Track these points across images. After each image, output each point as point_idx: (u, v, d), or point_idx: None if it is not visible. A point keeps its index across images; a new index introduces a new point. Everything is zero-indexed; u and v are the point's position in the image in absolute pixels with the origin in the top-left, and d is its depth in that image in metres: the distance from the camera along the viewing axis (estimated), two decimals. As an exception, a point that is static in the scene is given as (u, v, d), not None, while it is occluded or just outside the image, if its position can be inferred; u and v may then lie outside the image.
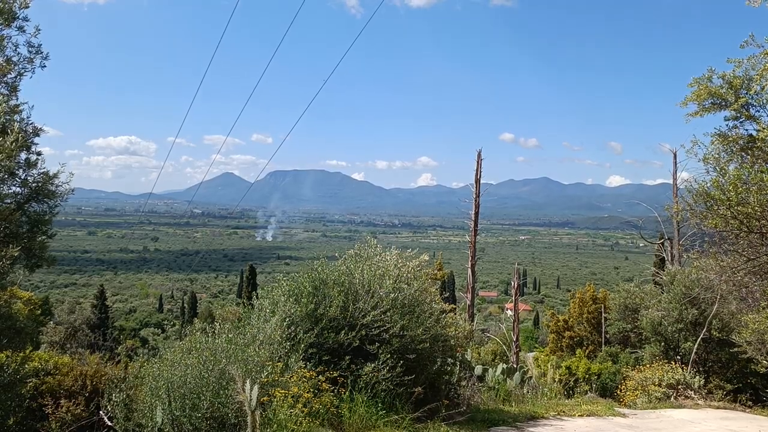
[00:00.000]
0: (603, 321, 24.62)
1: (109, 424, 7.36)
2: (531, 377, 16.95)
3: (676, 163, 27.45)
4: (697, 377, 16.93)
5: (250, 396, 6.63)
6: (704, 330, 17.59)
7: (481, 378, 14.04)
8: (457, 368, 11.97)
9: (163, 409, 7.00)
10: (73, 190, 7.55)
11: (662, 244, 28.80)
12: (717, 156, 7.39)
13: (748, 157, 7.34)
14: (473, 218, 24.14)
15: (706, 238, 8.55)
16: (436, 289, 12.03)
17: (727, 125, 7.57)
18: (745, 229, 6.30)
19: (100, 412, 7.51)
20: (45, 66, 7.77)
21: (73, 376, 7.72)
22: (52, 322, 33.78)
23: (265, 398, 7.30)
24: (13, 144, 5.75)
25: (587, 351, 23.66)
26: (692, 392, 16.58)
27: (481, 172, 24.17)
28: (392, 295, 9.83)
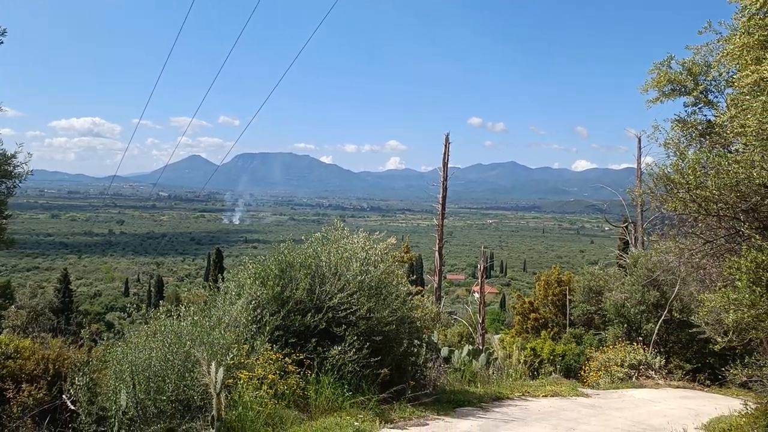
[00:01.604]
0: (567, 303, 24.99)
1: (72, 407, 7.30)
2: (497, 359, 17.17)
3: (640, 148, 27.85)
4: (658, 358, 17.34)
5: (216, 378, 6.63)
6: (665, 312, 18.00)
7: (447, 359, 14.18)
8: (424, 350, 12.07)
9: (127, 393, 6.96)
10: (31, 171, 7.43)
11: (626, 227, 29.25)
12: (677, 141, 7.54)
13: (707, 142, 7.51)
14: (441, 202, 24.25)
15: (666, 222, 8.74)
16: (404, 272, 12.10)
17: (686, 111, 7.74)
18: (703, 212, 6.45)
19: (63, 396, 7.43)
20: (2, 42, 7.58)
21: (35, 360, 7.63)
22: (13, 306, 33.26)
23: (230, 381, 7.30)
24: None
25: (552, 333, 24.00)
26: (653, 372, 16.98)
27: (448, 155, 24.25)
28: (359, 278, 9.87)
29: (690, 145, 7.63)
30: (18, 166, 7.02)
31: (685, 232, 7.36)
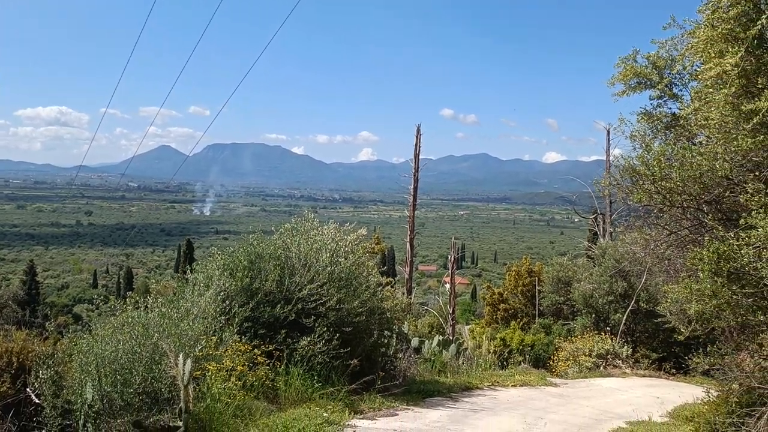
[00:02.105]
0: (537, 294, 25.24)
1: (37, 401, 7.20)
2: (466, 349, 17.30)
3: (609, 140, 28.18)
4: (625, 347, 17.62)
5: (183, 370, 6.58)
6: (632, 302, 18.27)
7: (417, 350, 14.25)
8: (394, 341, 12.13)
9: (93, 385, 6.87)
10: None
11: (595, 219, 29.60)
12: (643, 133, 7.64)
13: (672, 134, 7.63)
14: (412, 193, 24.31)
15: (633, 213, 8.86)
16: (374, 263, 12.13)
17: (652, 104, 7.85)
18: (668, 204, 6.54)
19: (27, 389, 7.32)
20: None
21: (-2, 352, 7.51)
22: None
23: (198, 372, 7.26)
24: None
25: (521, 323, 24.22)
26: (620, 361, 17.25)
27: (420, 147, 24.31)
28: (329, 269, 9.87)
29: (655, 137, 7.75)
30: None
31: (651, 223, 7.47)
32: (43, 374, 7.17)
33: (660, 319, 13.13)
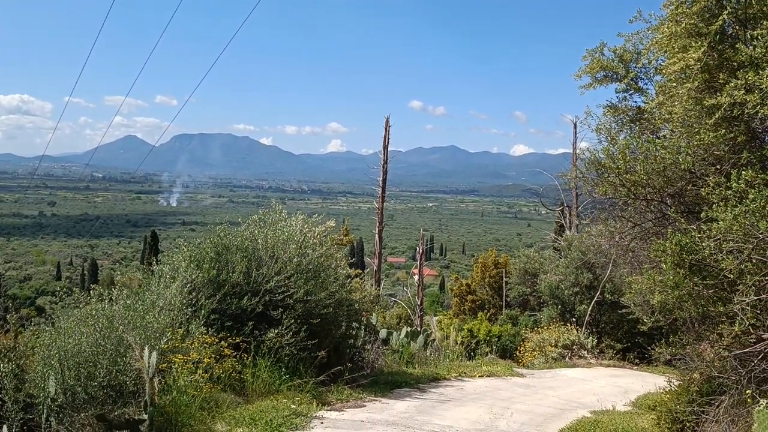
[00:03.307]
0: (504, 285, 25.46)
1: (-2, 395, 7.07)
2: (434, 340, 17.41)
3: (576, 133, 28.47)
4: (591, 338, 17.87)
5: (148, 363, 6.51)
6: (598, 293, 18.52)
7: (385, 341, 14.30)
8: (362, 332, 12.15)
9: (56, 379, 6.77)
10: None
11: (561, 211, 29.92)
12: (608, 127, 7.74)
13: (637, 127, 7.74)
14: (381, 185, 24.33)
15: (598, 206, 8.97)
16: (343, 255, 12.12)
17: (617, 97, 7.95)
18: (632, 196, 6.63)
19: (-12, 383, 7.19)
20: None
21: (-44, 346, 7.35)
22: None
23: (164, 365, 7.19)
24: None
25: (489, 314, 24.43)
26: (586, 352, 17.50)
27: (389, 138, 24.31)
28: (296, 261, 9.83)
29: (621, 130, 7.85)
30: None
31: (615, 215, 7.57)
32: (4, 368, 7.04)
33: (624, 310, 13.34)
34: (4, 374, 7.01)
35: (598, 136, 7.73)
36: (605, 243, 8.29)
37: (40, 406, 6.82)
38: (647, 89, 7.76)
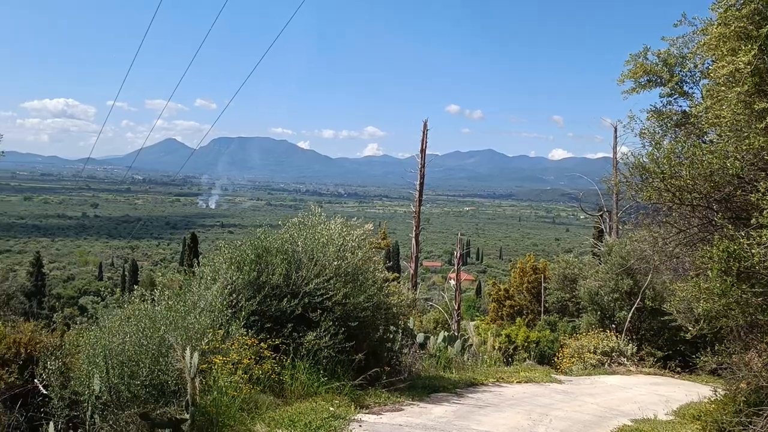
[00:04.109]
0: (543, 290, 25.21)
1: (45, 392, 7.23)
2: (471, 345, 17.31)
3: (616, 138, 28.07)
4: (630, 345, 17.57)
5: (190, 363, 6.59)
6: (638, 300, 18.22)
7: (422, 346, 14.26)
8: (399, 336, 12.14)
9: (100, 377, 6.90)
10: (3, 153, 7.29)
11: (601, 216, 29.53)
12: (652, 131, 7.61)
13: (682, 132, 7.59)
14: (418, 188, 24.29)
15: (641, 211, 8.81)
16: (380, 258, 12.13)
17: (661, 102, 7.81)
18: (677, 202, 6.51)
19: (35, 380, 7.36)
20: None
21: (6, 344, 7.54)
22: (-16, 290, 32.71)
23: (205, 365, 7.27)
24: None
25: (527, 319, 24.23)
26: (625, 359, 17.21)
27: (426, 142, 24.28)
28: (335, 263, 9.86)
29: (665, 135, 7.71)
30: (-14, 146, 6.89)
31: (659, 221, 7.44)
32: (50, 365, 7.20)
33: (666, 317, 13.11)
34: (51, 372, 7.17)
35: (641, 140, 7.61)
36: (649, 249, 8.14)
37: (85, 404, 6.95)
38: (693, 93, 7.62)
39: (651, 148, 6.85)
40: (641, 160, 6.70)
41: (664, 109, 7.78)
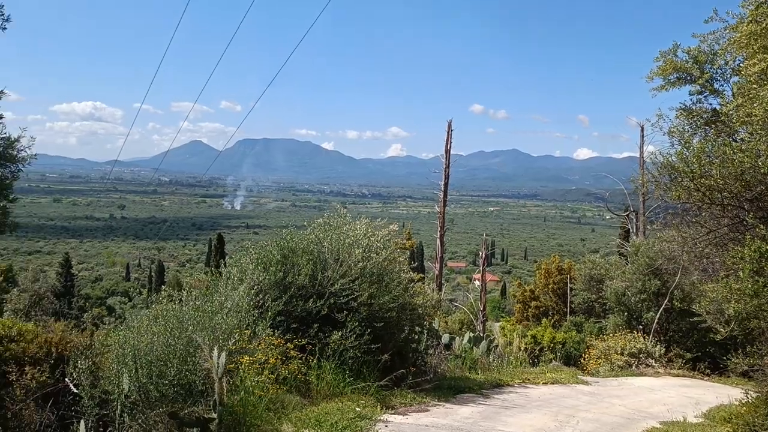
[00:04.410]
0: (568, 291, 25.02)
1: (75, 391, 7.32)
2: (497, 346, 17.22)
3: (643, 137, 27.78)
4: (658, 346, 17.36)
5: (218, 363, 6.64)
6: (666, 300, 18.00)
7: (448, 346, 14.23)
8: (425, 337, 12.12)
9: (129, 377, 6.97)
10: (35, 156, 7.42)
11: (628, 216, 29.24)
12: (681, 129, 7.51)
13: (712, 130, 7.47)
14: (443, 189, 24.23)
15: (669, 211, 8.70)
16: (405, 259, 12.12)
17: (691, 99, 7.69)
18: (707, 201, 6.43)
19: (66, 379, 7.45)
20: (5, 28, 7.57)
21: (37, 343, 7.63)
22: (15, 290, 33.28)
23: (232, 365, 7.31)
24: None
25: (552, 320, 24.05)
26: (653, 361, 17.01)
27: (451, 142, 24.21)
28: (361, 264, 9.88)
29: (695, 133, 7.60)
30: (22, 150, 7.02)
31: (689, 221, 7.34)
32: (81, 365, 7.28)
33: (695, 318, 12.93)
34: (81, 371, 7.25)
35: (670, 139, 7.52)
36: (678, 249, 8.03)
37: (115, 403, 7.03)
38: (723, 91, 7.49)
39: (680, 147, 6.77)
40: (670, 159, 6.62)
41: (693, 107, 7.66)
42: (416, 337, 11.64)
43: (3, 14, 7.53)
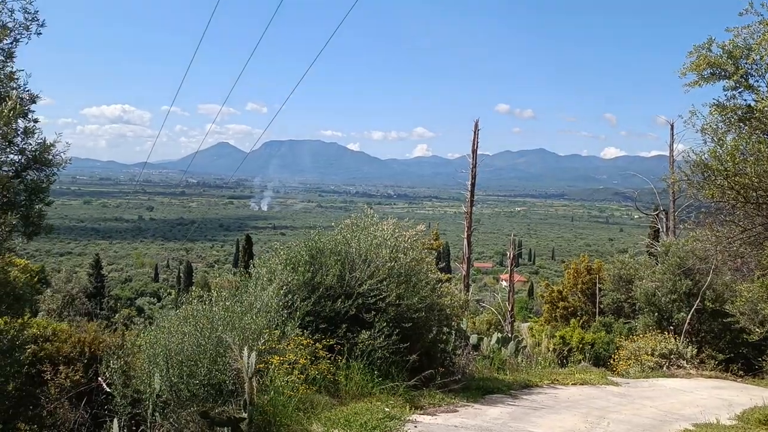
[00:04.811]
0: (597, 291, 24.78)
1: (108, 390, 7.42)
2: (525, 346, 17.11)
3: (673, 135, 27.42)
4: (690, 347, 17.11)
5: (248, 363, 6.68)
6: (698, 300, 17.74)
7: (476, 347, 14.17)
8: (453, 337, 12.09)
9: (161, 376, 7.05)
10: (69, 159, 7.52)
11: (657, 215, 28.88)
12: (715, 127, 7.37)
13: (746, 127, 7.33)
14: (470, 189, 24.14)
15: (702, 209, 8.55)
16: (433, 259, 12.09)
17: (725, 95, 7.54)
18: (742, 200, 6.32)
19: (99, 378, 7.56)
20: (41, 33, 7.68)
21: (71, 343, 7.77)
22: (49, 290, 33.81)
23: (261, 365, 7.35)
24: (11, 112, 5.71)
25: (581, 321, 23.83)
26: (684, 362, 16.77)
27: (478, 142, 24.12)
28: (388, 265, 9.88)
29: (729, 130, 7.45)
30: (57, 154, 7.13)
31: (722, 219, 7.22)
32: (113, 364, 7.38)
33: (728, 319, 12.72)
34: (113, 370, 7.35)
35: (703, 136, 7.37)
36: (711, 248, 7.90)
37: (146, 402, 7.11)
38: (759, 86, 7.33)
39: (714, 145, 6.66)
40: (703, 157, 6.51)
41: (727, 104, 7.51)
42: (444, 337, 11.61)
43: (38, 20, 7.64)
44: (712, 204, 7.22)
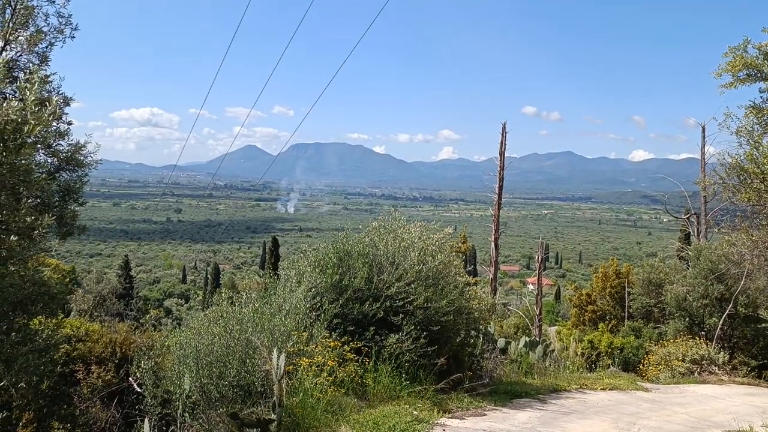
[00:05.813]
0: (626, 296, 24.49)
1: (138, 390, 7.51)
2: (553, 351, 16.97)
3: (704, 137, 27.01)
4: (722, 353, 16.83)
5: (277, 365, 6.70)
6: (730, 306, 17.44)
7: (503, 351, 14.09)
8: (480, 341, 12.03)
9: (190, 377, 7.11)
10: (100, 160, 7.63)
11: (688, 219, 28.47)
12: (750, 129, 7.22)
13: (783, 130, 7.20)
14: (497, 192, 24.01)
15: (737, 213, 8.39)
16: (460, 262, 12.04)
17: (761, 97, 7.39)
18: (779, 203, 6.21)
19: (130, 378, 7.65)
20: (74, 37, 7.81)
21: (103, 343, 7.87)
22: (80, 291, 34.24)
23: (290, 367, 7.38)
24: (51, 115, 5.82)
25: (610, 325, 23.58)
26: (716, 368, 16.49)
27: (505, 145, 23.98)
28: (416, 268, 9.86)
29: (765, 133, 7.31)
30: (88, 155, 7.25)
31: (758, 223, 7.08)
32: (144, 365, 7.45)
33: (762, 324, 12.48)
34: (144, 371, 7.43)
35: (737, 139, 7.22)
36: (747, 252, 7.75)
37: (176, 402, 7.17)
38: (796, 89, 7.20)
39: (750, 148, 6.54)
40: (739, 160, 6.39)
41: (763, 106, 7.37)
42: (472, 341, 11.56)
43: (71, 23, 7.77)
44: (748, 207, 7.09)
